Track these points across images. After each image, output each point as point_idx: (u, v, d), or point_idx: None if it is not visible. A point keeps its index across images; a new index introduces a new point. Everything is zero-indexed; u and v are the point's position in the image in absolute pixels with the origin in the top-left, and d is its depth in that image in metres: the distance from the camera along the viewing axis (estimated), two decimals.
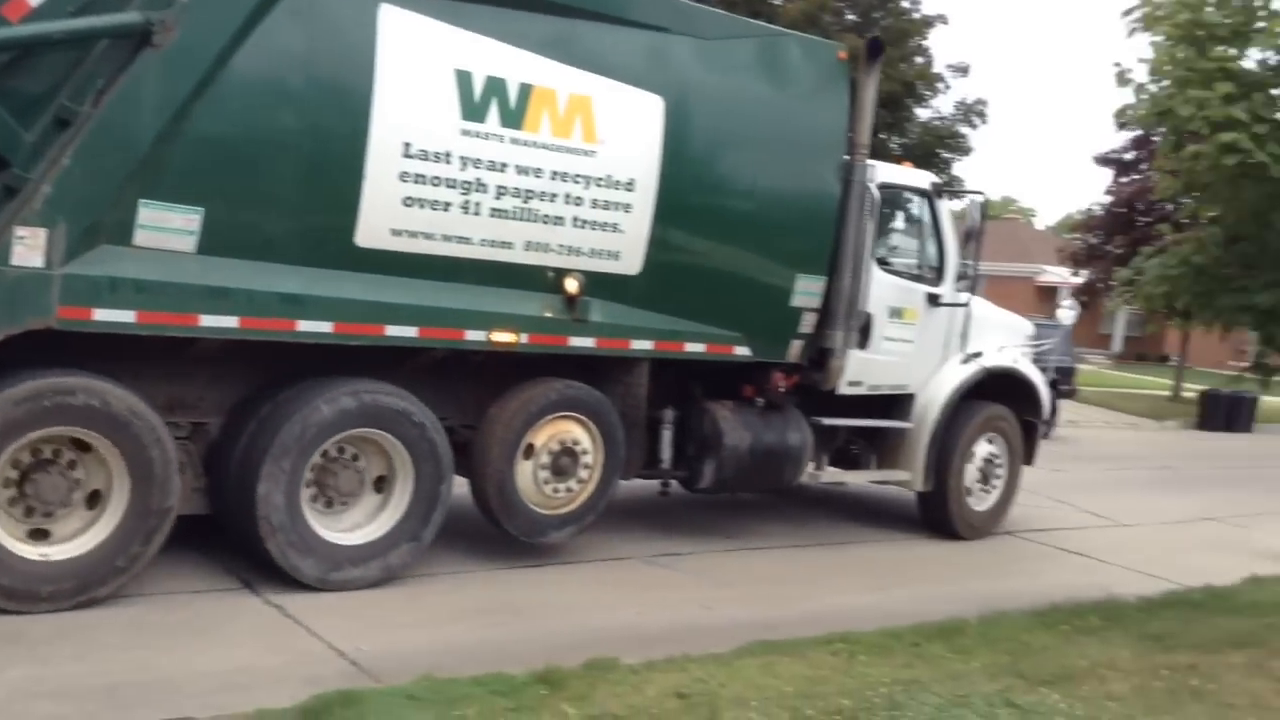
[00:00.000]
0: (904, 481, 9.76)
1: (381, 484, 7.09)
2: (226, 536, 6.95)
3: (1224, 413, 23.28)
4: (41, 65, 5.74)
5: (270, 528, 6.49)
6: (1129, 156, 29.51)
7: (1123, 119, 6.73)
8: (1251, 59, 6.17)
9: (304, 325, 6.55)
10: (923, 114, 28.45)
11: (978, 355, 9.98)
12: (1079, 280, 31.48)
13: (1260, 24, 6.18)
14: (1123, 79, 6.39)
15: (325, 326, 6.62)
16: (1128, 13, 6.58)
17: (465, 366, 7.51)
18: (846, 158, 8.78)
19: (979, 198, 9.92)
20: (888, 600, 7.75)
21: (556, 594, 7.27)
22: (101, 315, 5.91)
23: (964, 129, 33.82)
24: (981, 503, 10.10)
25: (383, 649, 5.84)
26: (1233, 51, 6.07)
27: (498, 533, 7.73)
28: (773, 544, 9.26)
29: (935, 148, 27.50)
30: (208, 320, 6.24)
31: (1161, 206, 27.04)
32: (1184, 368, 27.25)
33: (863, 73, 8.94)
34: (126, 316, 5.99)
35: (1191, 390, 25.24)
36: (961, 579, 8.74)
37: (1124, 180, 29.90)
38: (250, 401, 6.83)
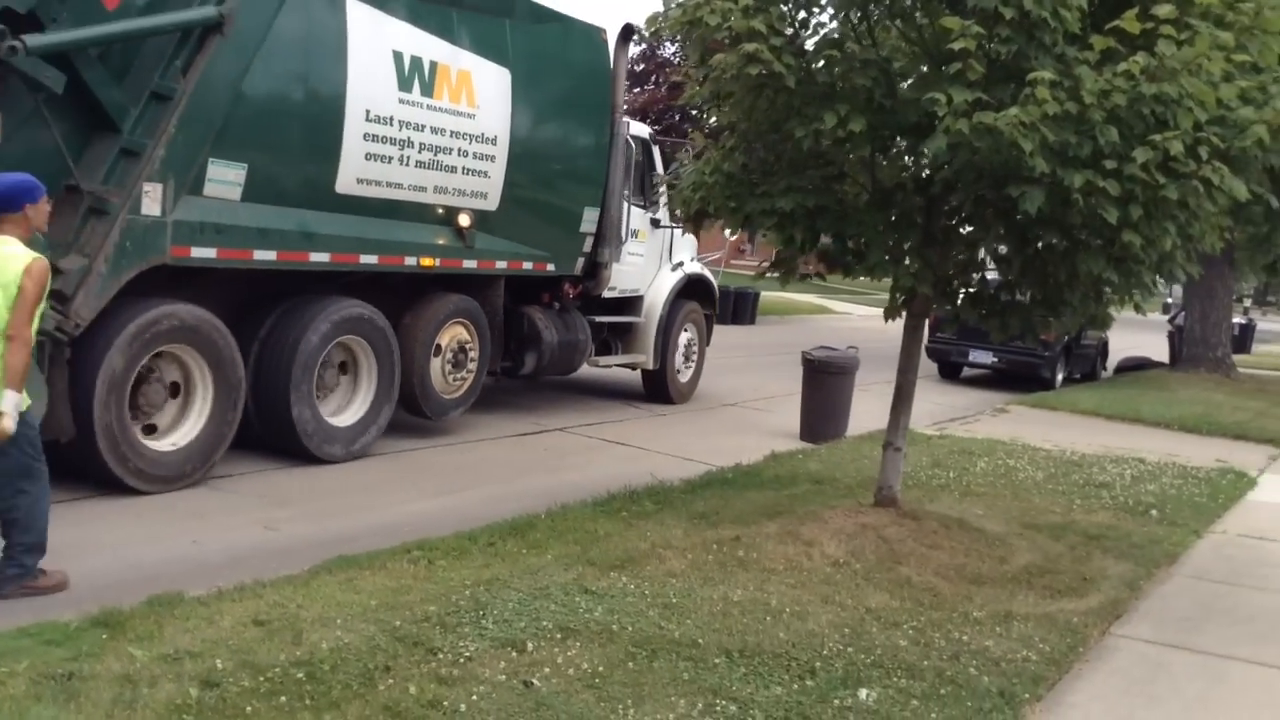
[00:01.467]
0: (641, 363, 12.81)
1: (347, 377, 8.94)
2: None
3: (731, 307, 26.51)
4: (138, 51, 7.02)
5: (302, 422, 8.25)
6: (639, 68, 33.10)
7: (654, 26, 6.90)
8: None
9: (314, 257, 8.30)
10: None
11: (680, 265, 13.20)
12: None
13: None
14: None
15: (326, 257, 8.40)
16: None
17: (379, 284, 9.40)
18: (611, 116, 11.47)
19: (686, 144, 13.01)
20: (458, 503, 7.76)
21: (98, 531, 6.50)
22: (196, 253, 7.40)
23: None
24: (685, 376, 13.44)
25: None
26: None
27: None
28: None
29: None
30: (259, 255, 7.85)
31: (672, 116, 30.99)
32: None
33: (618, 50, 11.61)
34: (210, 253, 7.51)
35: None
36: (523, 476, 8.90)
37: (636, 90, 33.50)
38: (236, 321, 8.35)
